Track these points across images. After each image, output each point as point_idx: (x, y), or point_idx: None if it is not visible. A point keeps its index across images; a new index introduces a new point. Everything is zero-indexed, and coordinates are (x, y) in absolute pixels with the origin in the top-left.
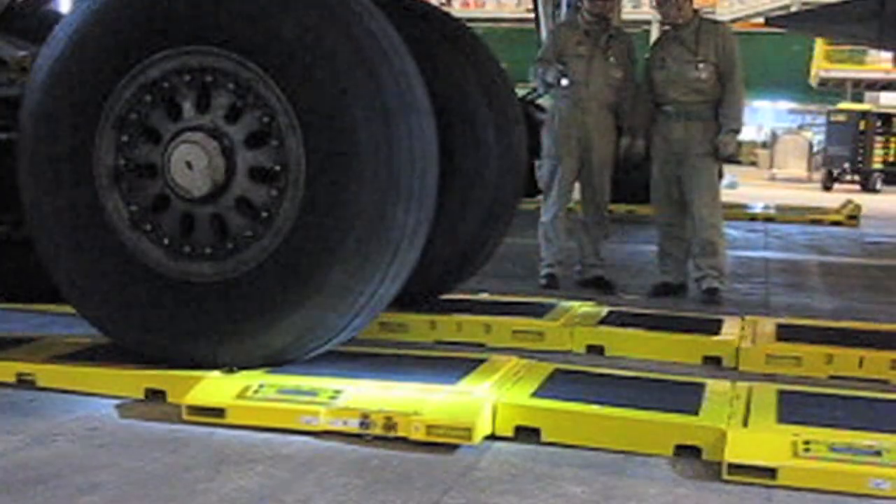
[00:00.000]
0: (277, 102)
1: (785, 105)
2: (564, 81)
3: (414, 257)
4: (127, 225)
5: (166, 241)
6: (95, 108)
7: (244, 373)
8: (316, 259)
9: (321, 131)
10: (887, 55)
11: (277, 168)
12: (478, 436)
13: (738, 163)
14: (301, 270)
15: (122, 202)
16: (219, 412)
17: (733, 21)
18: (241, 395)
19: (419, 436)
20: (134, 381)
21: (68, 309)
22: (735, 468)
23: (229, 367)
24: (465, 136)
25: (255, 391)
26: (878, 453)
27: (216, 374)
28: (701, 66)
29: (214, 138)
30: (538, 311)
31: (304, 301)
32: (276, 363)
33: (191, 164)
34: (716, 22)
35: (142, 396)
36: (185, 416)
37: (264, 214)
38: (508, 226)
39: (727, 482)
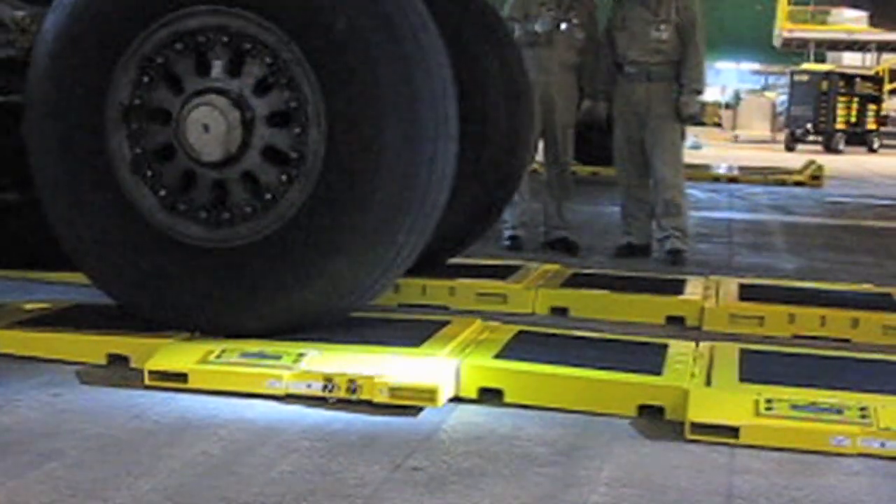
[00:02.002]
0: (310, 91)
1: (748, 66)
2: (563, 26)
3: (412, 261)
4: (127, 166)
5: (162, 193)
6: (122, 43)
7: (208, 337)
8: (314, 249)
9: (347, 132)
10: (850, 15)
11: (294, 155)
12: (441, 398)
13: (702, 124)
14: (297, 257)
15: (127, 142)
16: (181, 377)
17: None
18: (203, 360)
19: (383, 399)
20: (96, 346)
21: (31, 275)
22: (698, 427)
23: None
24: (475, 112)
25: (218, 356)
26: (840, 411)
27: (179, 338)
28: (662, 26)
29: (238, 108)
30: (502, 273)
31: (295, 286)
32: (255, 337)
33: (208, 127)
34: None
35: (104, 362)
36: (147, 382)
37: (268, 196)
38: (511, 196)
39: (690, 441)
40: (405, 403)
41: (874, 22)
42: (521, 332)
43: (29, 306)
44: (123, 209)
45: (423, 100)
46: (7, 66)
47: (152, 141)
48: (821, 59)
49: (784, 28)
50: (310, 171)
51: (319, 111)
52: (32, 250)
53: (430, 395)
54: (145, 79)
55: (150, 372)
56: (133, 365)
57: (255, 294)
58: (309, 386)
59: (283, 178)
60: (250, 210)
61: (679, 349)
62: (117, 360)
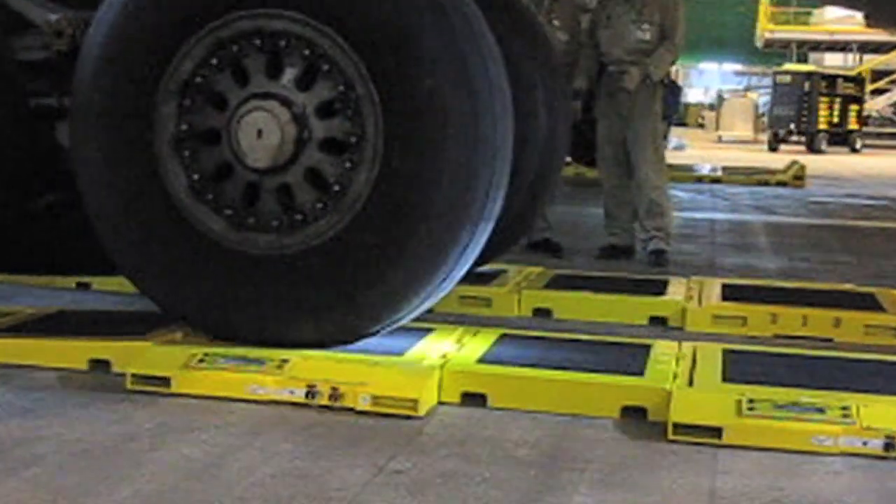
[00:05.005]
0: (373, 132)
1: (731, 67)
2: None
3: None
4: (169, 140)
5: (195, 176)
6: (201, 18)
7: (190, 341)
8: (328, 285)
9: (395, 189)
10: (831, 15)
11: (336, 187)
12: (424, 407)
13: (684, 124)
14: (306, 286)
15: (175, 115)
16: (164, 381)
17: None
18: (186, 364)
19: (365, 407)
20: (78, 352)
21: (16, 280)
22: (680, 428)
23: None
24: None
25: (201, 360)
26: (821, 410)
27: (161, 342)
28: (645, 25)
29: (297, 124)
30: (485, 276)
31: (298, 310)
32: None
33: (262, 133)
34: None
35: (86, 367)
36: (129, 386)
37: (298, 217)
38: (554, 193)
39: (673, 442)
40: (387, 412)
41: (871, 22)
42: (503, 335)
43: (9, 311)
44: (153, 185)
45: (480, 183)
46: (41, 70)
47: (201, 122)
48: (803, 59)
49: (766, 29)
50: (347, 208)
51: (376, 156)
52: (59, 256)
53: (411, 404)
54: (214, 60)
55: (133, 376)
56: (115, 369)
57: (258, 305)
58: (292, 392)
59: (319, 204)
60: (276, 224)
61: (662, 350)
62: (99, 365)
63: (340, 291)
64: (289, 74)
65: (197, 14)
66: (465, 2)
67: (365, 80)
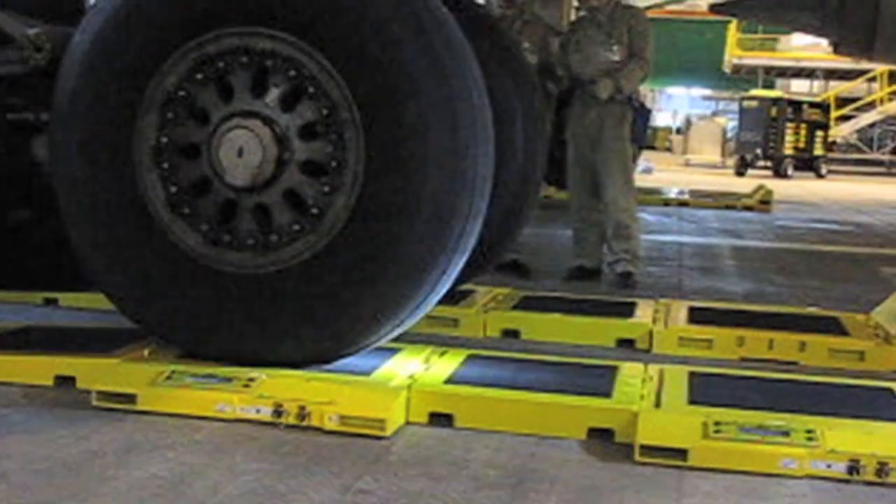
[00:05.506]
0: (354, 159)
1: (699, 92)
2: None
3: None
4: (149, 152)
5: (173, 189)
6: (186, 34)
7: (157, 358)
8: (294, 310)
9: (372, 217)
10: (797, 42)
11: (314, 210)
12: (391, 427)
13: (653, 148)
14: (274, 312)
15: (156, 127)
16: (130, 398)
17: (648, 8)
18: (152, 382)
19: (333, 426)
20: (43, 367)
21: None
22: (647, 450)
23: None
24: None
25: (168, 377)
26: (787, 433)
27: (128, 359)
28: (615, 47)
29: (279, 144)
30: (454, 297)
31: (263, 336)
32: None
33: (243, 152)
34: (630, 7)
35: (51, 384)
36: (95, 403)
37: (273, 238)
38: (530, 217)
39: (639, 464)
40: (354, 432)
41: (839, 50)
42: (470, 356)
43: None
44: (131, 197)
45: (458, 211)
46: (18, 84)
47: (181, 136)
48: (769, 85)
49: (734, 55)
50: (324, 232)
51: (356, 181)
52: (36, 271)
53: (379, 424)
54: (198, 76)
55: (99, 393)
56: (81, 386)
57: (232, 324)
58: (258, 411)
59: (295, 227)
60: (251, 243)
61: (629, 372)
62: (65, 382)
63: (316, 314)
64: (273, 94)
65: (183, 28)
66: (450, 29)
67: (349, 104)
